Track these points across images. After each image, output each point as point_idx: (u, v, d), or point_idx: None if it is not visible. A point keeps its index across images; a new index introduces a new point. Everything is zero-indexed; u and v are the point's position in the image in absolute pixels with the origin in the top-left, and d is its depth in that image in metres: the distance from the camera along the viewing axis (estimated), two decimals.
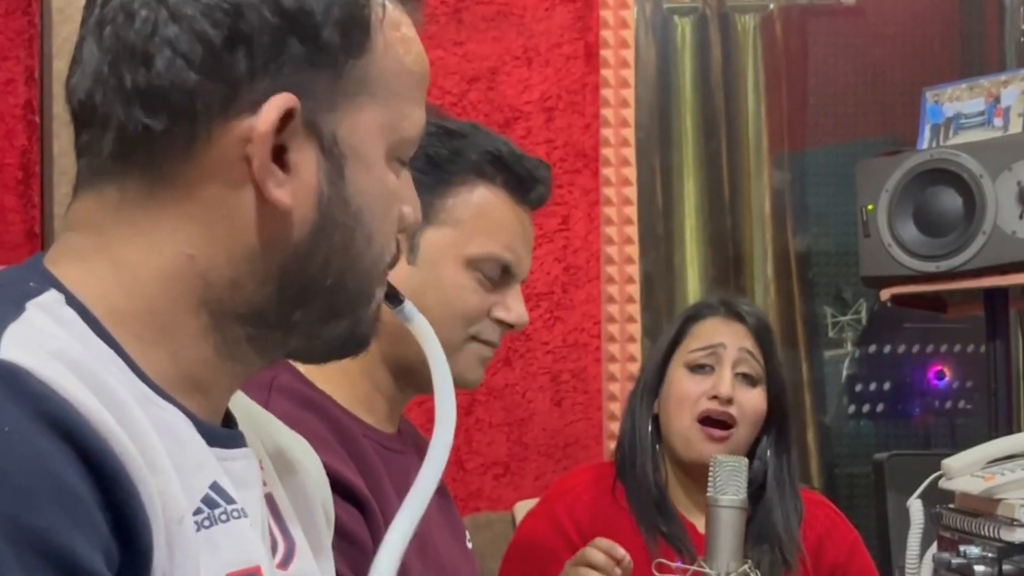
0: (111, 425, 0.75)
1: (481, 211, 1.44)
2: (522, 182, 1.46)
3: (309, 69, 0.85)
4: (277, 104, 0.83)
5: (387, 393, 1.45)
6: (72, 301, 0.82)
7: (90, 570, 0.71)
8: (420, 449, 1.54)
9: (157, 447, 0.79)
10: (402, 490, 1.40)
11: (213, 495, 0.85)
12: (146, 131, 0.84)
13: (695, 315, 2.17)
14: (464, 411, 2.94)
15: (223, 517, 0.85)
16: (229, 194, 0.85)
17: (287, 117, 0.84)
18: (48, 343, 0.77)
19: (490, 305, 1.44)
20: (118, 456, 0.75)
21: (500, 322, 1.46)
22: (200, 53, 0.83)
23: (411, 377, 1.44)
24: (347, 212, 0.87)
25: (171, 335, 0.86)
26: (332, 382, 1.40)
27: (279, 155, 0.85)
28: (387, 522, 1.32)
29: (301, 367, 1.37)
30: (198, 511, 0.83)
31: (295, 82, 0.84)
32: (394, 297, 0.97)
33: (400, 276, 1.02)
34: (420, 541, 1.40)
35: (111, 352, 0.82)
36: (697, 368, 2.10)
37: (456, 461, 2.93)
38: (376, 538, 1.30)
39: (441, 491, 1.53)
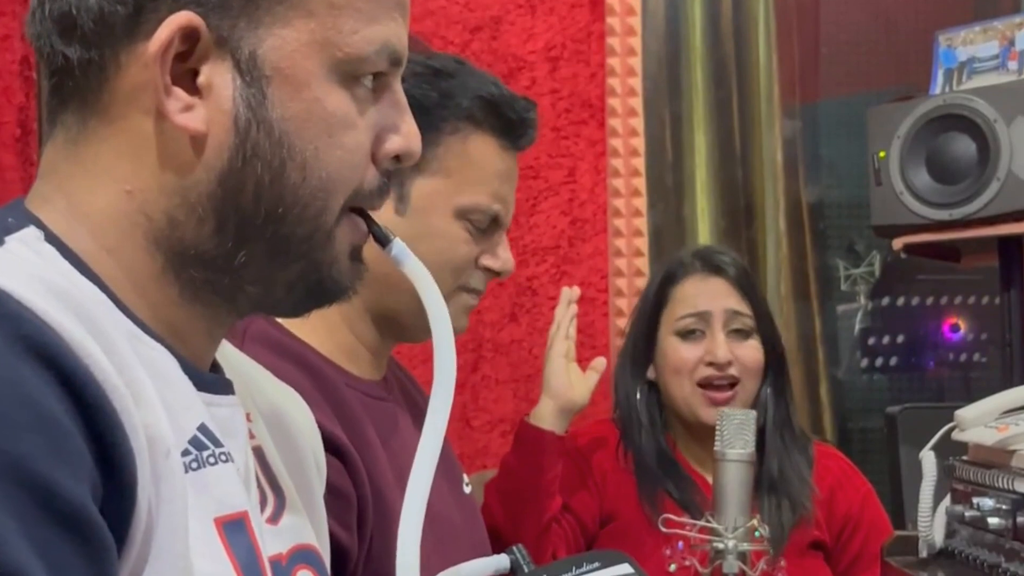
0: (93, 351, 0.73)
1: (472, 160, 1.42)
2: (513, 128, 1.44)
3: None
4: (171, 23, 0.80)
5: (369, 343, 1.44)
6: (52, 239, 0.81)
7: (70, 499, 0.68)
8: (408, 395, 1.52)
9: (143, 379, 0.77)
10: (387, 437, 1.39)
11: (201, 437, 0.83)
12: (66, 60, 0.82)
13: (673, 276, 2.14)
14: (470, 368, 2.90)
15: (211, 460, 0.83)
16: (146, 122, 0.82)
17: (191, 37, 0.80)
18: (29, 268, 0.75)
19: (478, 253, 1.45)
20: (100, 384, 0.72)
21: (487, 270, 1.46)
22: None
23: (395, 327, 1.43)
24: (271, 137, 0.82)
25: (136, 276, 0.84)
26: (311, 331, 1.38)
27: (191, 78, 0.81)
28: (370, 472, 1.31)
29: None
30: (186, 452, 0.81)
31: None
32: (382, 237, 0.91)
33: (389, 226, 0.98)
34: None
35: (95, 289, 0.79)
36: (688, 334, 2.09)
37: (462, 418, 2.90)
38: (359, 488, 1.28)
39: None
